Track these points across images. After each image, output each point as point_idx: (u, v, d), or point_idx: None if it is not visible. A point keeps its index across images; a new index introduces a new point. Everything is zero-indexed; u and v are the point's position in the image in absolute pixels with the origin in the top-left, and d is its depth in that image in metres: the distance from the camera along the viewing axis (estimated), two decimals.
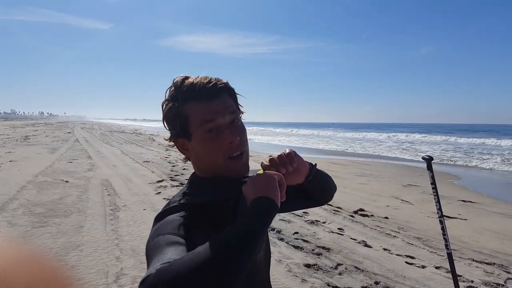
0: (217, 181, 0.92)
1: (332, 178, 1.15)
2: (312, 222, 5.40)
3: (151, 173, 9.29)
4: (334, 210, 6.13)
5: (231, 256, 0.64)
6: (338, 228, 5.20)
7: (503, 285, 3.54)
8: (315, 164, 1.04)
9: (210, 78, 0.90)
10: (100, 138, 23.10)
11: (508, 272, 3.86)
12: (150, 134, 30.82)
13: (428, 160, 2.36)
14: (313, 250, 4.27)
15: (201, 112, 0.88)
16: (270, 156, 0.96)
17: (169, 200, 0.93)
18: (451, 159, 15.96)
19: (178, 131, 0.91)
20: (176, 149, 0.99)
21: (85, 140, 21.04)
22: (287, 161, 0.92)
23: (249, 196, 0.80)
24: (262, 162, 0.95)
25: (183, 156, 0.99)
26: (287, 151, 0.95)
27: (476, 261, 4.16)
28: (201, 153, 0.90)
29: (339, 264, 3.89)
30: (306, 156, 1.01)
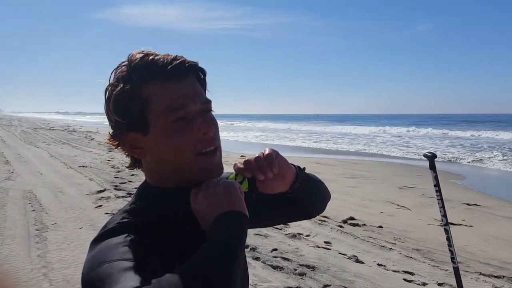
0: (178, 191, 0.87)
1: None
2: (293, 236, 5.46)
3: (89, 181, 9.07)
4: (319, 220, 6.22)
5: None
6: (325, 242, 5.29)
7: None
8: (304, 168, 1.02)
9: (176, 55, 0.86)
10: (21, 137, 22.22)
11: None
12: (87, 131, 30.00)
13: (431, 157, 2.42)
14: (295, 269, 4.32)
15: (166, 96, 0.83)
16: (242, 156, 0.94)
17: (107, 220, 0.87)
18: (455, 156, 16.66)
19: (131, 121, 0.84)
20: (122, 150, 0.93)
21: (0, 139, 20.18)
22: (266, 164, 0.90)
23: (207, 213, 0.78)
24: (235, 164, 0.92)
25: (129, 161, 0.93)
26: (267, 151, 0.93)
27: (483, 274, 4.37)
28: (163, 149, 0.84)
29: (326, 286, 3.96)
30: (285, 155, 1.00)
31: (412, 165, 13.98)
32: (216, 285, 0.66)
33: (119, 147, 0.90)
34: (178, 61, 0.84)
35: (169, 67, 0.83)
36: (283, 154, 0.97)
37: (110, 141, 0.91)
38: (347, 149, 20.79)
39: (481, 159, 15.38)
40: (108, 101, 0.85)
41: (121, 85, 0.83)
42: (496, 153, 17.05)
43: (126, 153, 0.91)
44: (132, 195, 0.93)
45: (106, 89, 0.86)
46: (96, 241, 0.80)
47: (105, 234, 0.80)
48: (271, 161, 0.91)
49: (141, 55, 0.85)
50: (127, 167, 0.96)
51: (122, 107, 0.83)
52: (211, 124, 0.86)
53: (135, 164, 0.92)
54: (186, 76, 0.86)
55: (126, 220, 0.83)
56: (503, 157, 15.86)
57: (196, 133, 0.84)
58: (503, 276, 4.33)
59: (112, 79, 0.86)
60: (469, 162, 15.11)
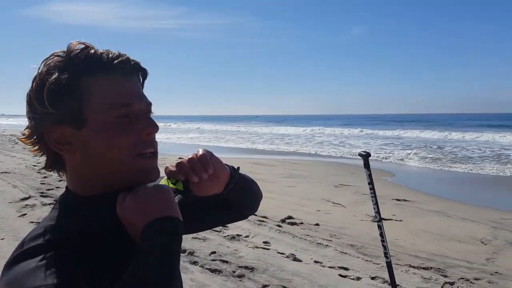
0: (104, 199, 0.80)
1: (257, 182, 1.14)
2: (232, 238, 5.45)
3: (13, 188, 8.43)
4: (258, 221, 6.27)
5: None
6: (264, 242, 5.34)
7: None
8: (238, 168, 1.01)
9: (119, 52, 0.81)
10: None
11: (445, 276, 4.39)
12: (11, 135, 27.96)
13: (365, 156, 2.54)
14: (234, 272, 4.31)
15: (111, 91, 0.78)
16: (180, 158, 0.91)
17: (23, 239, 0.77)
18: (386, 155, 17.61)
19: (64, 113, 0.76)
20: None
21: None
22: (200, 165, 0.87)
23: (137, 220, 0.74)
24: (167, 167, 0.88)
25: (46, 161, 0.84)
26: (201, 152, 0.90)
27: (413, 266, 4.63)
28: (100, 145, 0.77)
29: (265, 286, 3.98)
30: (224, 157, 0.98)
31: (347, 163, 14.57)
32: None
33: (36, 144, 0.81)
34: (123, 58, 0.80)
35: (115, 62, 0.78)
36: (221, 155, 0.96)
37: (27, 136, 0.81)
38: (285, 150, 21.21)
39: (409, 157, 16.39)
40: (37, 89, 0.76)
41: (57, 74, 0.76)
42: (422, 151, 18.28)
43: (42, 152, 0.82)
44: (52, 208, 0.84)
45: (35, 77, 0.78)
46: (10, 265, 0.70)
47: (21, 256, 0.71)
48: (205, 162, 0.88)
49: (82, 46, 0.79)
50: (42, 168, 0.88)
51: (57, 97, 0.75)
52: (155, 125, 0.82)
53: (53, 164, 0.83)
54: (131, 74, 0.82)
55: (46, 237, 0.74)
56: (429, 154, 17.05)
57: (140, 132, 0.80)
58: (431, 268, 4.62)
59: (43, 66, 0.79)
60: (398, 160, 16.02)
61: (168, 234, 0.72)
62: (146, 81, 0.88)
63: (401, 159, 16.04)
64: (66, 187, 0.85)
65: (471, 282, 4.24)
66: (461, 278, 4.32)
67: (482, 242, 5.59)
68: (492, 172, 12.53)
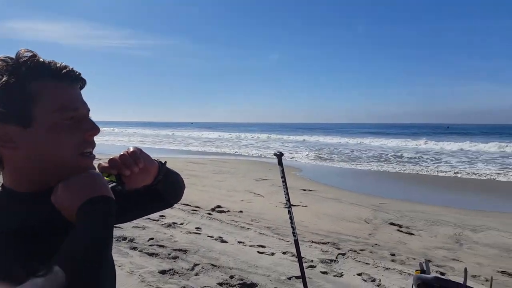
0: (44, 194, 0.70)
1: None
2: (169, 225, 5.22)
3: None
4: (192, 210, 6.09)
5: (85, 279, 0.56)
6: (196, 228, 5.18)
7: (335, 260, 4.18)
8: (165, 162, 0.95)
9: (64, 63, 0.74)
10: None
11: (339, 248, 4.58)
12: None
13: (279, 156, 2.55)
14: (169, 254, 4.11)
15: (60, 96, 0.71)
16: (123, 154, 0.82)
17: None
18: (297, 155, 18.22)
19: (11, 113, 0.68)
20: None
21: None
22: (132, 161, 0.82)
23: (71, 204, 0.66)
24: (99, 164, 0.80)
25: None
26: (131, 149, 0.85)
27: (314, 242, 4.79)
28: (46, 144, 0.69)
29: (195, 265, 3.85)
30: (162, 157, 0.90)
31: (265, 161, 14.83)
32: (89, 274, 0.57)
33: None
34: (69, 68, 0.74)
35: (63, 71, 0.72)
36: (160, 156, 0.87)
37: None
38: (215, 151, 21.06)
39: (313, 157, 17.13)
40: None
41: (6, 77, 0.67)
42: (323, 152, 19.20)
43: None
44: None
45: None
46: None
47: None
48: (136, 157, 0.82)
49: (30, 53, 0.71)
50: None
51: (6, 97, 0.67)
52: (97, 128, 0.76)
53: None
54: (76, 83, 0.76)
55: None
56: (329, 155, 17.96)
57: (85, 133, 0.74)
58: (328, 242, 4.81)
59: None
60: (304, 158, 16.68)
61: (100, 212, 0.65)
62: (93, 91, 0.79)
63: (307, 158, 16.71)
64: (2, 184, 0.74)
65: (357, 253, 4.47)
66: (350, 250, 4.54)
67: (366, 221, 5.95)
68: (373, 168, 13.51)
